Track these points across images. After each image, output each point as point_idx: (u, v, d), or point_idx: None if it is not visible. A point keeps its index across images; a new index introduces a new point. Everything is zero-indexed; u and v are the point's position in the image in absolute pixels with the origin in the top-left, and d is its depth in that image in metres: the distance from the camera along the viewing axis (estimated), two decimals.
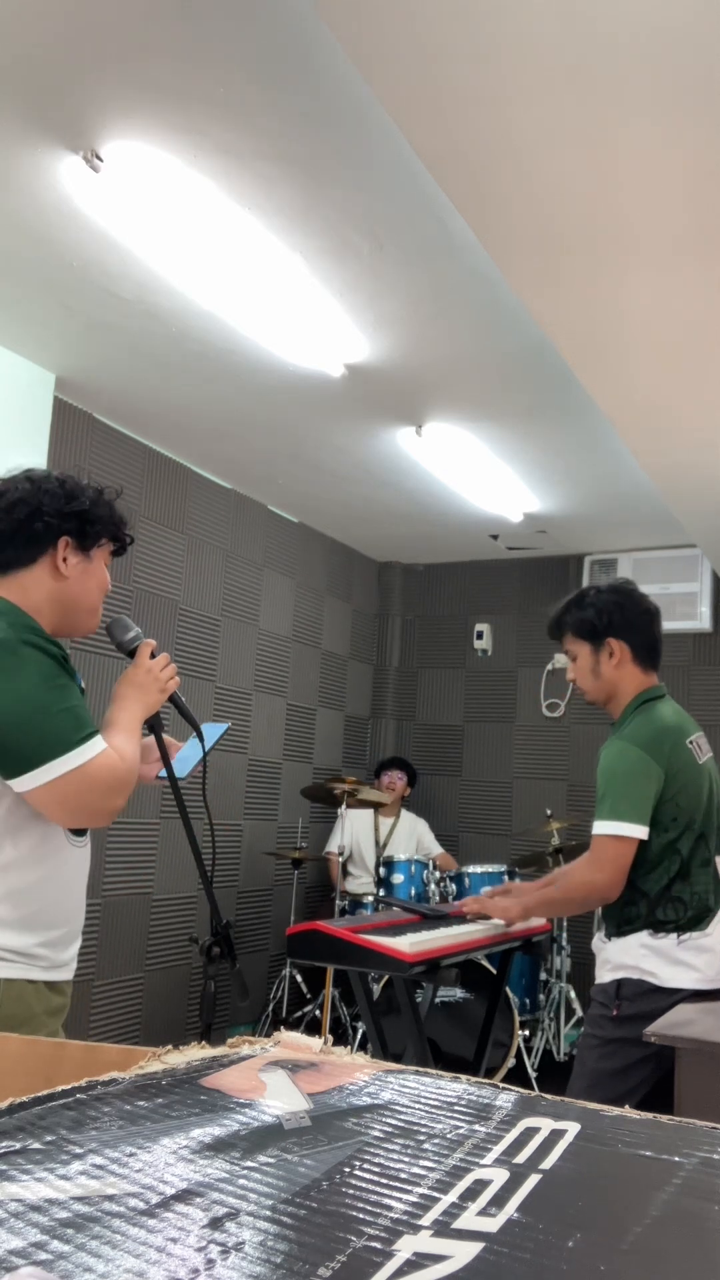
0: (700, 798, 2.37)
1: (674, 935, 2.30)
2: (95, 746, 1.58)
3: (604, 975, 2.36)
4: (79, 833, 1.68)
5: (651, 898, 2.31)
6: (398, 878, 4.62)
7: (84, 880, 1.73)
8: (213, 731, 1.99)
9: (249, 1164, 0.49)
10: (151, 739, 1.85)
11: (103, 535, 1.76)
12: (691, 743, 2.41)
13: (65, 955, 1.67)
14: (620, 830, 2.28)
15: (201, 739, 1.92)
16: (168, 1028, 4.44)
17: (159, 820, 4.39)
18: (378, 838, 5.08)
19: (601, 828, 2.30)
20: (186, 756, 1.98)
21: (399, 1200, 0.45)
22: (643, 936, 2.31)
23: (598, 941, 2.43)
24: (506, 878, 4.63)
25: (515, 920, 2.67)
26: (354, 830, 5.11)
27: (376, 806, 5.15)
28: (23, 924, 1.59)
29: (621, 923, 2.35)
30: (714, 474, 3.60)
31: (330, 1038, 0.71)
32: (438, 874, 4.67)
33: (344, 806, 4.99)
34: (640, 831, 2.28)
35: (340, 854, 5.08)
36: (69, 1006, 1.73)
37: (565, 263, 2.25)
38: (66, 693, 1.59)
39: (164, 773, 1.86)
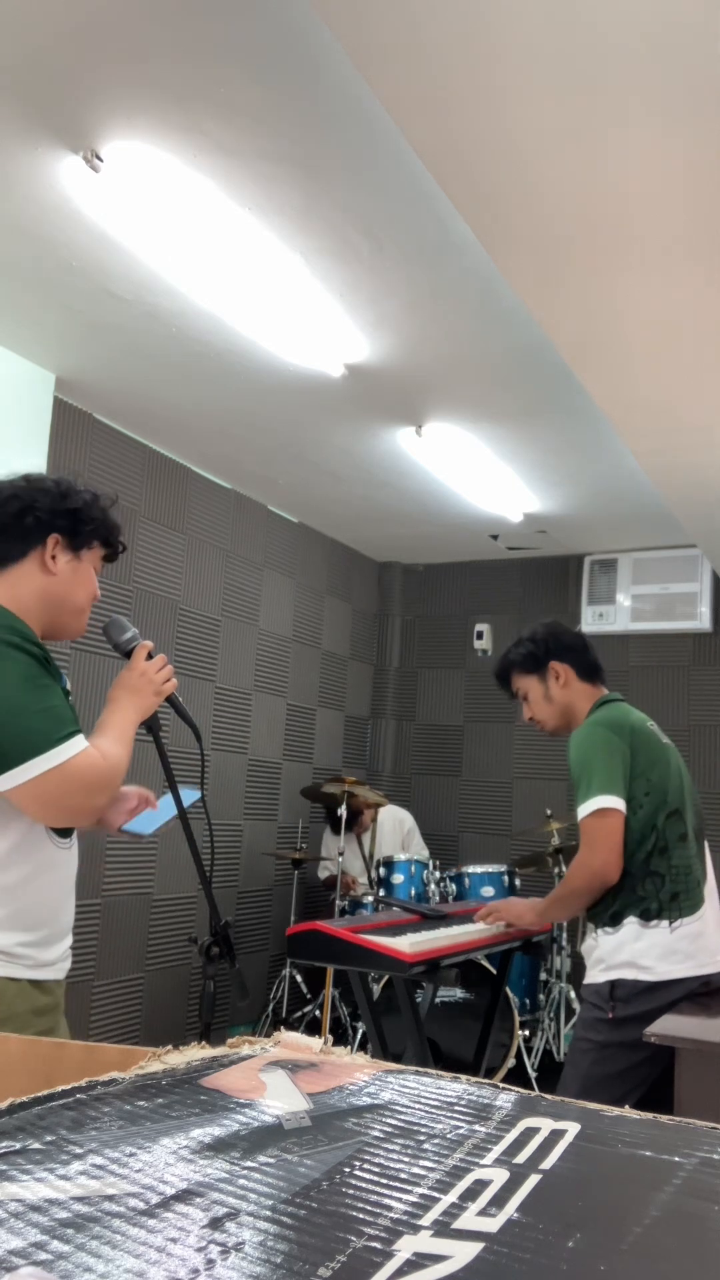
0: (669, 773, 2.45)
1: (665, 922, 2.31)
2: (76, 745, 1.58)
3: (596, 975, 2.36)
4: (63, 834, 1.68)
5: (633, 874, 2.33)
6: (398, 878, 4.61)
7: (70, 881, 1.73)
8: (186, 797, 1.97)
9: (249, 1164, 0.49)
10: (130, 789, 1.92)
11: (94, 537, 1.77)
12: (651, 727, 2.52)
13: (50, 955, 1.67)
14: (599, 804, 2.32)
15: (201, 777, 1.92)
16: (168, 1028, 4.44)
17: None
18: (363, 852, 5.09)
19: (583, 809, 2.35)
20: (155, 814, 1.98)
21: (399, 1200, 0.45)
22: (634, 927, 2.32)
23: (589, 942, 2.43)
24: (506, 878, 4.63)
25: (533, 926, 2.69)
26: (342, 852, 5.10)
27: (356, 817, 5.12)
28: (2, 924, 1.60)
29: (611, 909, 2.36)
30: (714, 474, 3.60)
31: (330, 1038, 0.71)
32: (438, 874, 4.67)
33: (329, 832, 4.99)
34: (618, 803, 2.32)
35: (340, 854, 5.08)
36: (61, 1005, 1.73)
37: (565, 262, 2.25)
38: (48, 693, 1.59)
39: (131, 826, 1.93)
